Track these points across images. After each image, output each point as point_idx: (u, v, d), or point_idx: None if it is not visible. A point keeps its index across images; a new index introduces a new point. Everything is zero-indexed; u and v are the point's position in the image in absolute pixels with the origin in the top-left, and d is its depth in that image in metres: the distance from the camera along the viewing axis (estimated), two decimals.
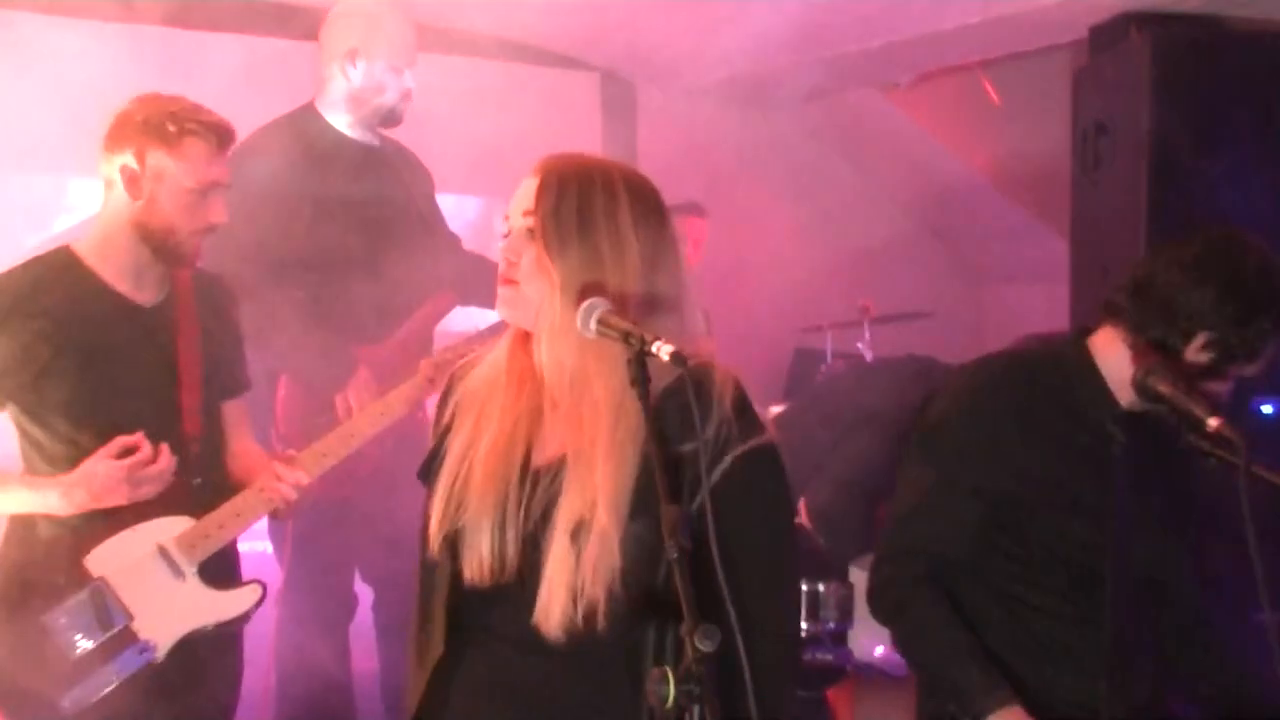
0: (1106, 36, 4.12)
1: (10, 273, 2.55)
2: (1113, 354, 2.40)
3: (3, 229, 4.15)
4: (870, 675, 3.57)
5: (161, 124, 2.51)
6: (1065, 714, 2.41)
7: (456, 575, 1.85)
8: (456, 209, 4.10)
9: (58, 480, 2.47)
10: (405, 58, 3.50)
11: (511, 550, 1.82)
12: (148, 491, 2.50)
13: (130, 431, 2.50)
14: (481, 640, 1.87)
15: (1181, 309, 2.32)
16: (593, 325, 1.77)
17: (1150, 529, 2.47)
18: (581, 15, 4.80)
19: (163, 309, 2.61)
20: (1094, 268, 4.03)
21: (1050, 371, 2.44)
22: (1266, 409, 3.76)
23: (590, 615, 1.75)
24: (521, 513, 1.82)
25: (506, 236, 1.86)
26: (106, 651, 2.43)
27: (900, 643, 2.52)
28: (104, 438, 2.48)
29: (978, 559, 2.43)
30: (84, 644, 2.42)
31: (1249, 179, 3.75)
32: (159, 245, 2.55)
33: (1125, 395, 2.39)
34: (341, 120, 3.49)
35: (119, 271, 2.57)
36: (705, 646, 1.59)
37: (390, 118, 3.53)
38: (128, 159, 2.51)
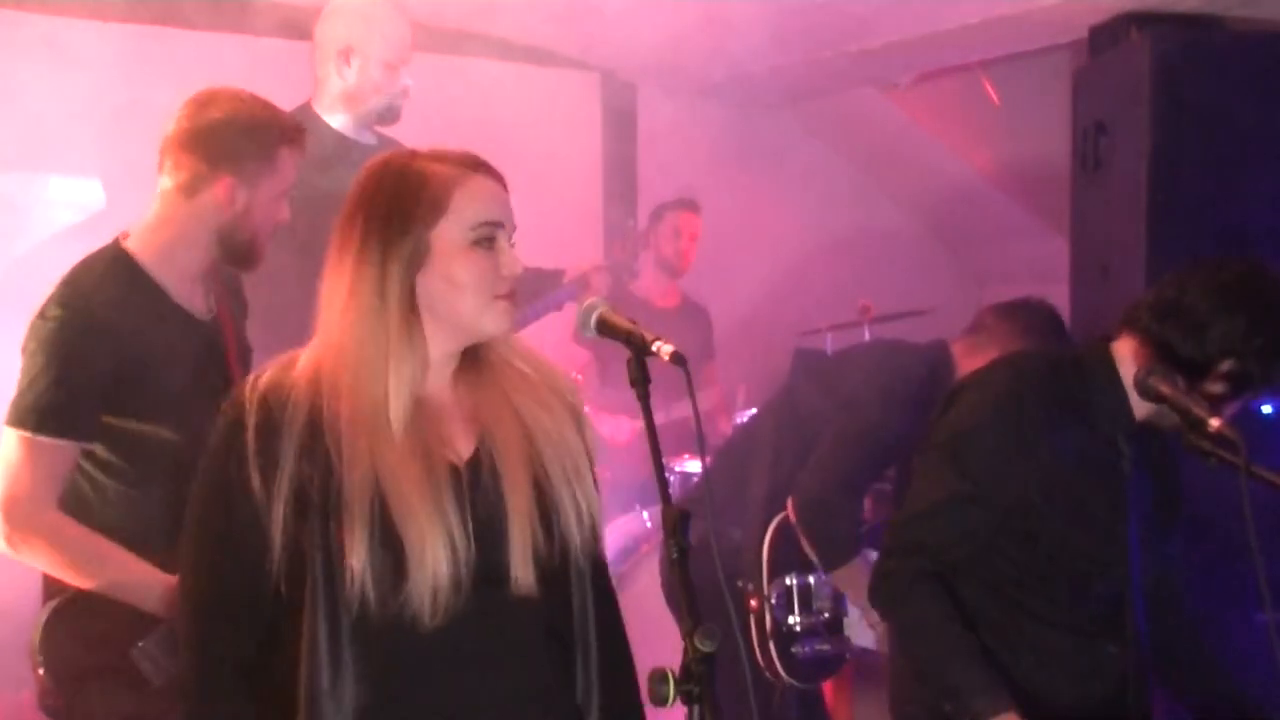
0: (1106, 36, 4.11)
1: (77, 281, 2.43)
2: (1133, 366, 2.40)
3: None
4: (872, 660, 3.56)
5: (258, 136, 2.46)
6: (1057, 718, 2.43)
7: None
8: None
9: (168, 580, 2.32)
10: (400, 55, 3.48)
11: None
12: None
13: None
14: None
15: (1211, 335, 2.32)
16: (593, 325, 1.77)
17: (1152, 538, 2.49)
18: (582, 15, 4.79)
19: (215, 323, 2.58)
20: (1094, 268, 4.02)
21: (1074, 380, 2.44)
22: (1266, 409, 3.75)
23: None
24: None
25: (511, 245, 1.83)
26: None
27: (899, 635, 2.52)
28: (170, 463, 2.40)
29: (983, 561, 2.43)
30: (167, 674, 2.37)
31: (1249, 179, 3.75)
32: (242, 253, 2.53)
33: (1142, 407, 2.40)
34: (338, 119, 3.49)
35: (180, 281, 2.50)
36: (705, 646, 1.60)
37: (387, 115, 3.52)
38: (224, 174, 2.44)
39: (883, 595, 2.47)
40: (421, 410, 1.77)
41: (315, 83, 3.50)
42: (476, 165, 1.82)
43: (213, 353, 2.57)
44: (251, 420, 1.73)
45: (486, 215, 1.79)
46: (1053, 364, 2.50)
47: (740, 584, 3.23)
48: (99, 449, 2.41)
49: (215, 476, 1.79)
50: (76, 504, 2.41)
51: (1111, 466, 2.42)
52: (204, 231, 2.49)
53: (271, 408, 1.74)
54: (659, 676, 1.64)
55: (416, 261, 1.76)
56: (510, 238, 1.82)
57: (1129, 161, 3.81)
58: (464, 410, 1.83)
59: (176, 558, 2.36)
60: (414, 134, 3.69)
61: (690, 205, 5.10)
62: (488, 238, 1.79)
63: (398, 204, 1.77)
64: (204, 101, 2.49)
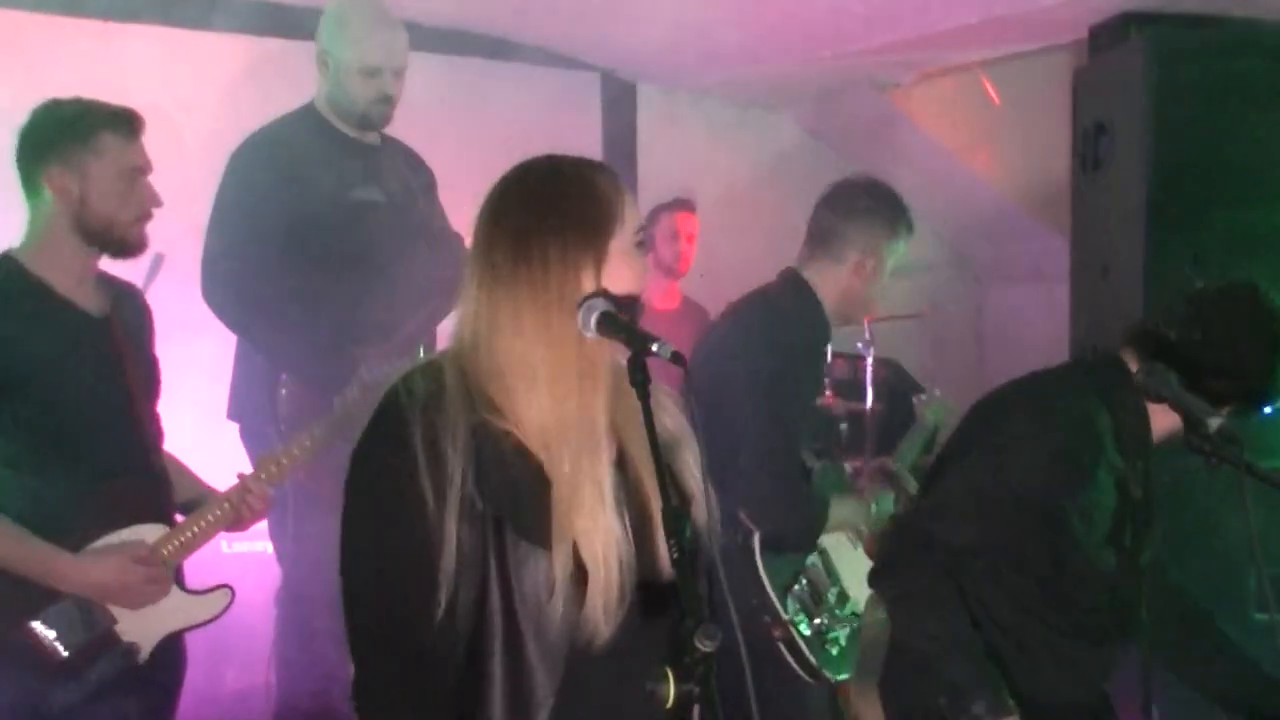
0: (1106, 36, 4.11)
1: None
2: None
3: None
4: None
5: (71, 125, 2.60)
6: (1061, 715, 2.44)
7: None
8: (457, 208, 4.10)
9: (66, 559, 2.53)
10: (378, 62, 3.43)
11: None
12: (146, 599, 2.62)
13: (97, 448, 2.59)
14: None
15: (1250, 370, 2.38)
16: (592, 324, 1.77)
17: (1152, 541, 2.51)
18: (582, 15, 4.80)
19: (108, 320, 2.68)
20: (1094, 268, 4.02)
21: (1107, 399, 2.44)
22: (1266, 409, 3.75)
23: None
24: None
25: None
26: (91, 654, 2.55)
27: (902, 627, 2.51)
28: (69, 455, 2.55)
29: (1008, 572, 2.44)
30: (70, 647, 2.53)
31: (1249, 179, 3.75)
32: (105, 240, 2.63)
33: (1160, 429, 2.43)
34: (339, 119, 3.49)
35: (68, 280, 2.62)
36: (705, 646, 1.59)
37: (363, 123, 3.49)
38: (50, 166, 2.58)
39: (890, 587, 2.46)
40: None
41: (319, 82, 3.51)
42: (618, 175, 1.88)
43: (102, 348, 2.65)
44: (417, 432, 1.69)
45: (640, 220, 1.86)
46: (1093, 386, 2.48)
47: (766, 620, 3.05)
48: None
49: (385, 494, 1.73)
50: None
51: (1130, 483, 2.44)
52: (63, 226, 2.60)
53: (434, 419, 1.70)
54: (659, 676, 1.63)
55: (601, 269, 1.77)
56: None
57: (1129, 161, 3.81)
58: None
59: (74, 542, 2.53)
60: (415, 134, 3.70)
61: (686, 205, 5.07)
62: (641, 242, 1.84)
63: (591, 214, 1.78)
64: (29, 115, 2.65)
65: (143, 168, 2.65)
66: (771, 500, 3.01)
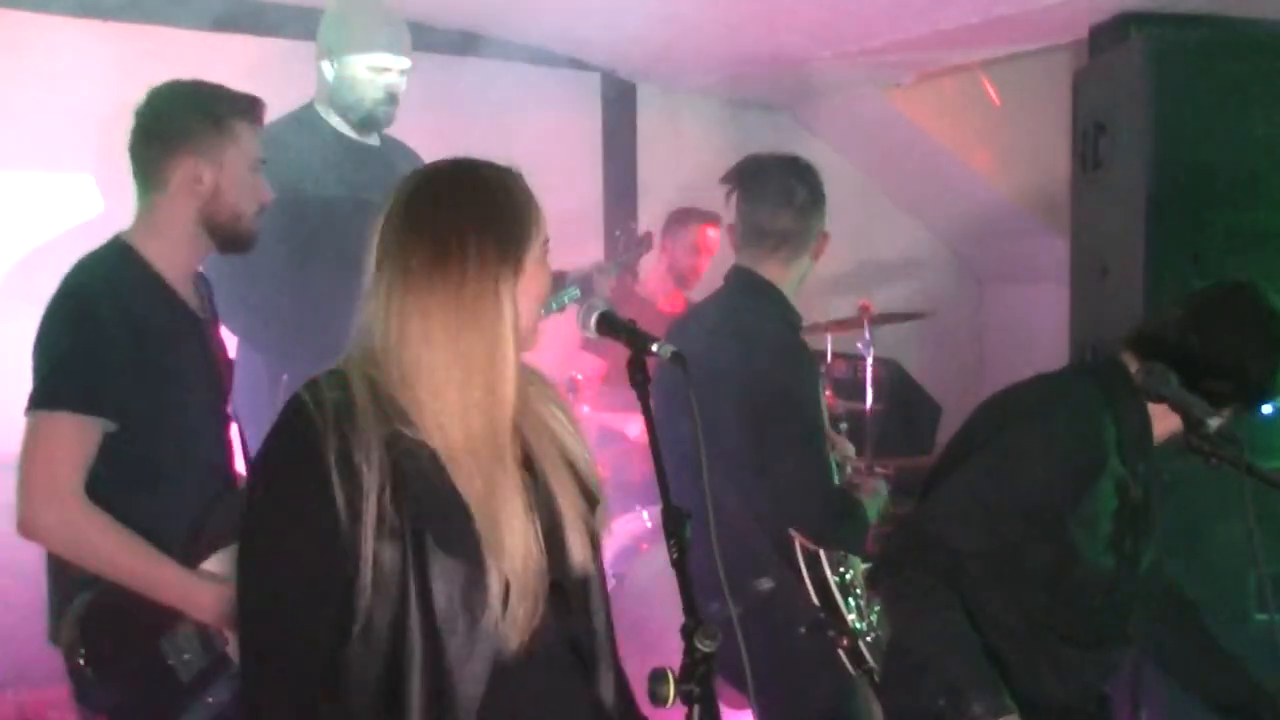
0: (1106, 36, 4.11)
1: (89, 271, 2.43)
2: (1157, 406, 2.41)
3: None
4: None
5: (209, 111, 2.46)
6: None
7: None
8: None
9: (205, 588, 2.37)
10: (383, 60, 3.43)
11: None
12: None
13: (211, 458, 2.49)
14: None
15: (1249, 369, 2.37)
16: (592, 324, 1.77)
17: (1151, 545, 2.52)
18: (582, 15, 4.79)
19: (210, 322, 2.60)
20: (1094, 268, 4.02)
21: (1110, 403, 2.43)
22: (1266, 409, 3.75)
23: None
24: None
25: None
26: (209, 679, 2.43)
27: (901, 627, 2.50)
28: (191, 466, 2.44)
29: (1010, 577, 2.43)
30: (191, 672, 2.41)
31: (1249, 179, 3.75)
32: (229, 234, 2.51)
33: (1161, 432, 2.43)
34: (335, 119, 3.49)
35: (182, 278, 2.51)
36: (705, 646, 1.59)
37: (368, 122, 3.48)
38: (184, 155, 2.45)
39: (889, 586, 2.45)
40: None
41: (318, 82, 3.51)
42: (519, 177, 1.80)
43: (211, 351, 2.58)
44: (330, 443, 1.63)
45: (547, 231, 1.79)
46: (1099, 389, 2.47)
47: (831, 636, 2.90)
48: (120, 436, 2.37)
49: (294, 508, 1.66)
50: (98, 496, 2.37)
51: (1127, 491, 2.44)
52: (188, 221, 2.48)
53: (345, 430, 1.64)
54: (659, 676, 1.63)
55: (517, 277, 1.71)
56: None
57: (1129, 161, 3.81)
58: None
59: (191, 552, 2.39)
60: (415, 134, 3.69)
61: (716, 218, 4.93)
62: (547, 252, 1.78)
63: (514, 219, 1.73)
64: (148, 97, 2.50)
65: (262, 158, 2.56)
66: (829, 516, 2.91)
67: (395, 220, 1.73)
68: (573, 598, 1.77)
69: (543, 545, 1.72)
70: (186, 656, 2.38)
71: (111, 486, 2.36)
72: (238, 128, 2.49)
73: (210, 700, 2.41)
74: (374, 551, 1.62)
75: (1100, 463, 2.38)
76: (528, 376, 1.82)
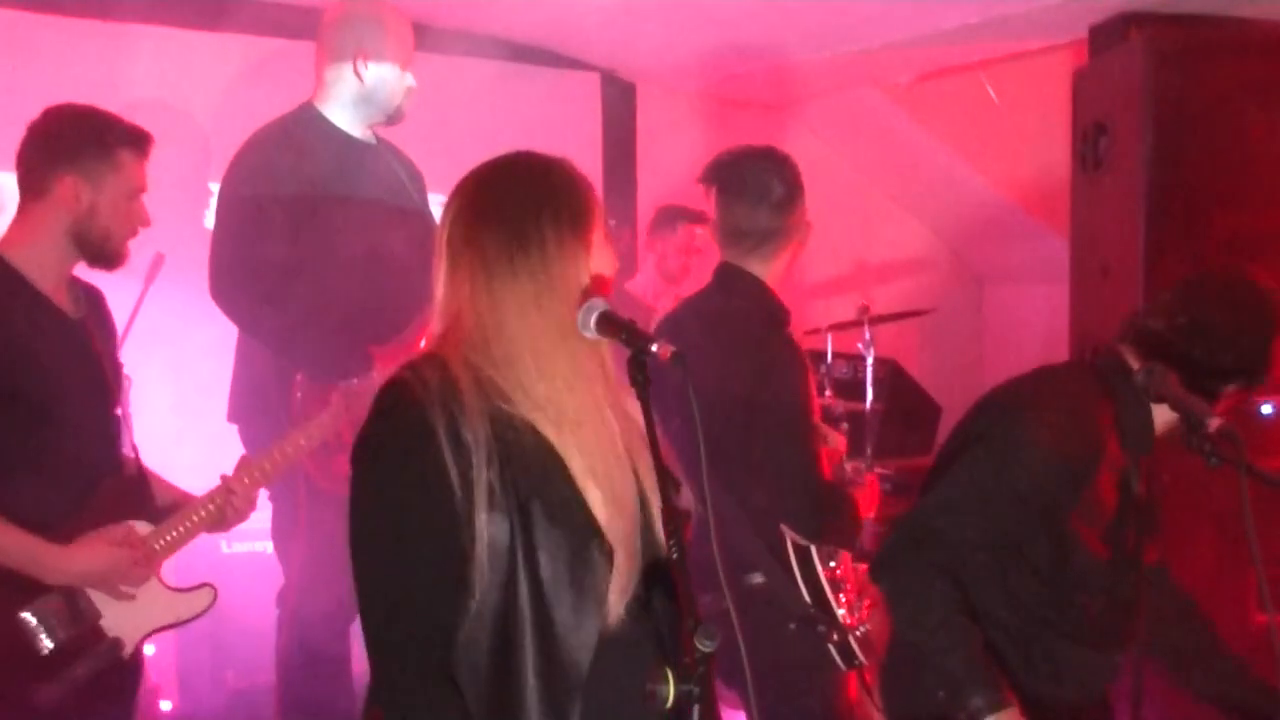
0: (1106, 36, 4.12)
1: None
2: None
3: None
4: None
5: (97, 137, 2.61)
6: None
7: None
8: None
9: (52, 549, 2.53)
10: (408, 58, 3.54)
11: None
12: (132, 581, 2.64)
13: (88, 448, 2.61)
14: None
15: (1240, 348, 2.38)
16: (592, 324, 1.77)
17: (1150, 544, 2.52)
18: (582, 15, 4.80)
19: (85, 322, 2.69)
20: (1094, 268, 4.03)
21: (1111, 398, 2.44)
22: (1266, 409, 3.76)
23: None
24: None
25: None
26: (76, 648, 2.56)
27: (901, 621, 2.50)
28: (64, 455, 2.56)
29: (1009, 572, 2.43)
30: (56, 640, 2.54)
31: (1249, 179, 3.75)
32: (96, 250, 2.65)
33: (1160, 425, 2.43)
34: (342, 119, 3.50)
35: (53, 282, 2.64)
36: (705, 646, 1.59)
37: (396, 116, 3.57)
38: (65, 173, 2.59)
39: (889, 580, 2.45)
40: None
41: (318, 83, 3.51)
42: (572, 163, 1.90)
43: (84, 349, 2.66)
44: (440, 423, 1.68)
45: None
46: (1098, 383, 2.47)
47: (821, 631, 2.90)
48: None
49: (408, 478, 1.70)
50: None
51: (1129, 486, 2.44)
52: (59, 230, 2.61)
53: (452, 408, 1.69)
54: (659, 676, 1.64)
55: (590, 258, 1.81)
56: None
57: (1129, 161, 3.81)
58: None
59: (59, 537, 2.52)
60: (415, 134, 3.70)
61: (703, 217, 4.97)
62: (608, 232, 1.87)
63: (577, 204, 1.83)
64: (45, 113, 2.65)
65: (143, 188, 2.70)
66: (818, 510, 2.90)
67: (466, 215, 1.81)
68: (658, 573, 1.79)
69: (640, 518, 1.78)
70: (51, 625, 2.52)
71: None
72: (123, 157, 2.64)
73: (79, 671, 2.53)
74: (486, 525, 1.67)
75: (1098, 455, 2.38)
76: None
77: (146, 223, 2.71)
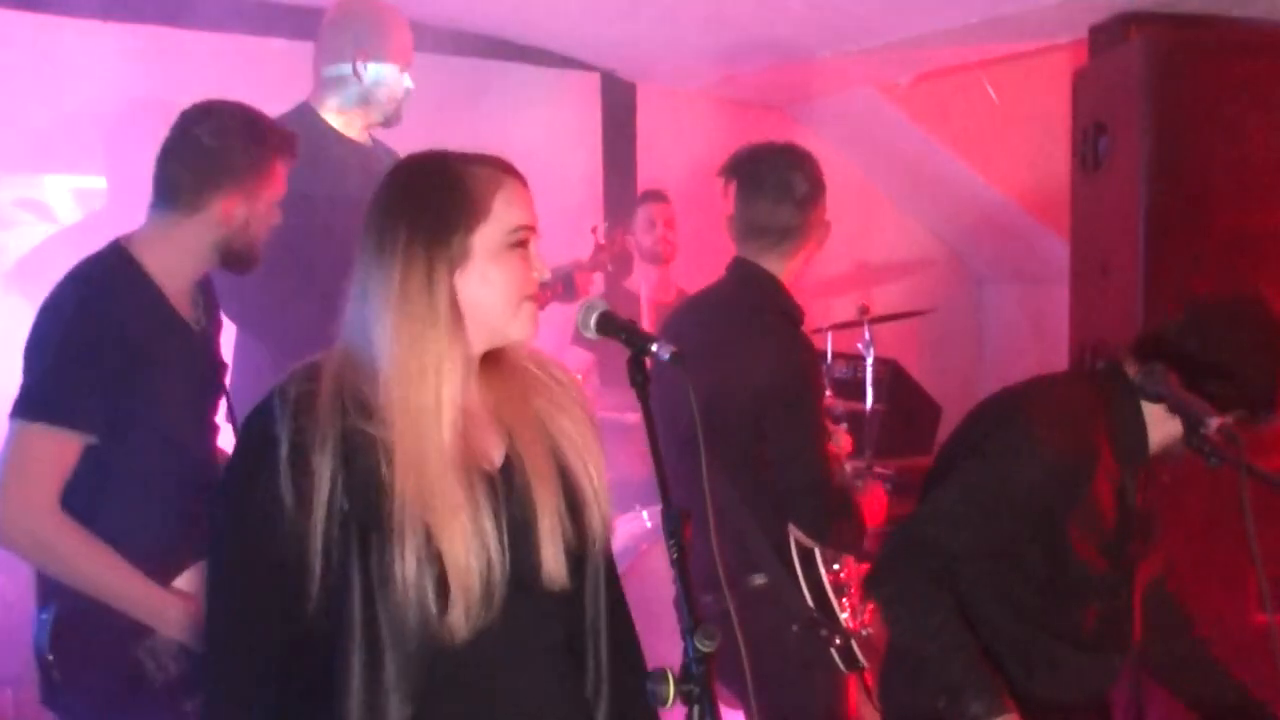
0: (1106, 36, 4.12)
1: (84, 279, 2.43)
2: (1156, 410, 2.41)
3: None
4: None
5: (258, 148, 2.52)
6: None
7: None
8: None
9: (176, 602, 2.39)
10: (408, 59, 3.54)
11: None
12: None
13: (190, 467, 2.47)
14: None
15: (1249, 380, 2.37)
16: (593, 325, 1.77)
17: (1147, 549, 2.53)
18: (582, 15, 4.80)
19: (205, 335, 2.60)
20: (1094, 268, 4.03)
21: (1106, 407, 2.44)
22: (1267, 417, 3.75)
23: None
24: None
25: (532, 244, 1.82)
26: (187, 688, 2.43)
27: (899, 628, 2.50)
28: (183, 479, 2.43)
29: (1005, 578, 2.44)
30: (167, 675, 2.41)
31: (1248, 179, 3.75)
32: (239, 258, 2.56)
33: (1157, 440, 2.42)
34: (338, 120, 3.50)
35: (181, 292, 2.52)
36: (705, 646, 1.59)
37: (393, 118, 3.56)
38: (229, 193, 2.49)
39: (885, 589, 2.45)
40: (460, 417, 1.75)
41: (318, 83, 3.51)
42: (509, 170, 1.81)
43: (207, 364, 2.59)
44: (285, 434, 1.67)
45: (523, 219, 1.78)
46: (1095, 396, 2.47)
47: (823, 635, 2.88)
48: (102, 449, 2.37)
49: (245, 495, 1.71)
50: (77, 508, 2.37)
51: (1124, 496, 2.44)
52: (205, 245, 2.52)
53: (304, 422, 1.68)
54: (659, 676, 1.64)
55: (459, 265, 1.73)
56: (537, 242, 1.82)
57: (1129, 161, 3.81)
58: (488, 414, 1.81)
59: (169, 567, 2.40)
60: (415, 134, 3.69)
61: (655, 196, 5.04)
62: (522, 241, 1.78)
63: (444, 207, 1.75)
64: (200, 118, 2.52)
65: (284, 190, 2.62)
66: (827, 512, 2.88)
67: (369, 213, 1.80)
68: (545, 601, 1.77)
69: (505, 547, 1.72)
70: (162, 662, 2.39)
71: (92, 497, 2.36)
72: (277, 167, 2.56)
73: (188, 708, 2.41)
74: (324, 539, 1.66)
75: (1093, 464, 2.37)
76: (530, 370, 1.84)
77: (278, 221, 2.63)
